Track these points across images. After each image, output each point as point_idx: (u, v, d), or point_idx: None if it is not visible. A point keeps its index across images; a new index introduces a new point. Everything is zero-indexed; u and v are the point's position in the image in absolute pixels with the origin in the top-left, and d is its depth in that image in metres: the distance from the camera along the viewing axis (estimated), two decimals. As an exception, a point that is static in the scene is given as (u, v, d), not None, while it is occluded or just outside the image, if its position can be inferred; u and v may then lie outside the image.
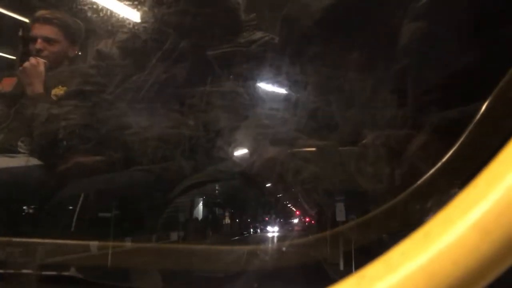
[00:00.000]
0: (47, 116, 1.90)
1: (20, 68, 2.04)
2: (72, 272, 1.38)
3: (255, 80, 1.62)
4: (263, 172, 1.56)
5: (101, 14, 1.83)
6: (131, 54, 1.74)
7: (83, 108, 1.88)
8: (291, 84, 1.52)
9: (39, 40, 2.09)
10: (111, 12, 1.83)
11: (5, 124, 2.01)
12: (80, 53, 2.26)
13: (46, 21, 2.12)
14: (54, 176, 1.85)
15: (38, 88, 2.00)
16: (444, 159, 1.09)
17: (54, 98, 2.04)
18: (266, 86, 1.65)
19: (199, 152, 1.57)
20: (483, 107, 1.10)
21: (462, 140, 1.09)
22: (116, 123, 1.63)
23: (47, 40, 2.10)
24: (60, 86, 2.06)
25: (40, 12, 2.14)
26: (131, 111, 1.60)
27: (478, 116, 1.09)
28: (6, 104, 2.07)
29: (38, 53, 2.07)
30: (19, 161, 1.98)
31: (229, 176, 1.65)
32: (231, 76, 1.60)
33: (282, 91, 1.59)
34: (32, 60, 2.03)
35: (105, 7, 1.84)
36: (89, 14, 1.89)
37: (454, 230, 0.31)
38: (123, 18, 1.79)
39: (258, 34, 1.70)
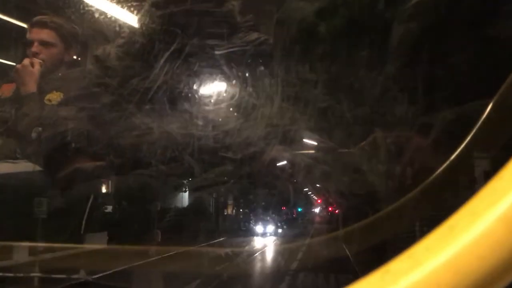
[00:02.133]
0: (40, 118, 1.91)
1: (14, 69, 2.06)
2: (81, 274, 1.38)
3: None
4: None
5: (104, 16, 1.83)
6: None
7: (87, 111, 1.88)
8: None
9: (35, 43, 2.10)
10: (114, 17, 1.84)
11: (2, 129, 2.02)
12: (79, 57, 2.27)
13: (42, 25, 2.13)
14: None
15: (31, 87, 2.01)
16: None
17: (47, 102, 2.04)
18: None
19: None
20: (490, 106, 1.09)
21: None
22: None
23: (43, 44, 2.11)
24: (55, 92, 2.06)
25: (38, 17, 2.15)
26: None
27: (485, 114, 1.09)
28: (6, 109, 2.07)
29: (34, 56, 2.08)
30: (20, 166, 1.99)
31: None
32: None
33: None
34: (26, 60, 2.04)
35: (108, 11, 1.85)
36: (95, 15, 1.89)
37: (480, 223, 0.30)
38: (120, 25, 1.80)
39: (254, 35, 1.70)
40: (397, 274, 0.32)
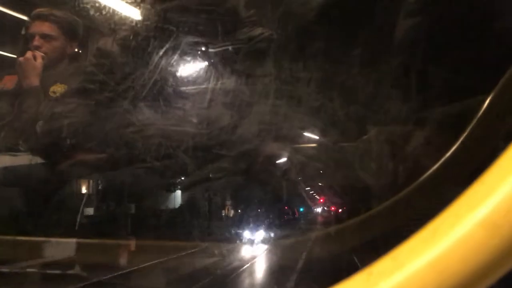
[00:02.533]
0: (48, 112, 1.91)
1: (17, 62, 2.06)
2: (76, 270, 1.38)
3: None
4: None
5: (103, 12, 1.82)
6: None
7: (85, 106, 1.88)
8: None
9: (36, 37, 2.09)
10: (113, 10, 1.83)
11: (5, 122, 2.02)
12: (80, 51, 2.26)
13: (43, 18, 2.12)
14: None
15: (34, 81, 2.01)
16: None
17: (52, 95, 2.04)
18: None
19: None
20: (486, 102, 1.10)
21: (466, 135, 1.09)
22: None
23: (44, 37, 2.10)
24: (59, 83, 2.06)
25: (38, 10, 2.15)
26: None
27: (482, 110, 1.09)
28: (8, 101, 2.07)
29: (36, 49, 2.07)
30: (22, 159, 1.99)
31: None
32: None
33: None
34: (28, 53, 2.04)
35: (107, 5, 1.84)
36: (91, 12, 1.88)
37: (462, 226, 0.31)
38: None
39: (258, 30, 1.69)
40: (380, 275, 0.32)
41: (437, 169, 1.17)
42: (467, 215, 0.31)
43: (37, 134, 1.93)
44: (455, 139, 1.13)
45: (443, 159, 1.16)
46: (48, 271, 1.50)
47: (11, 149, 1.99)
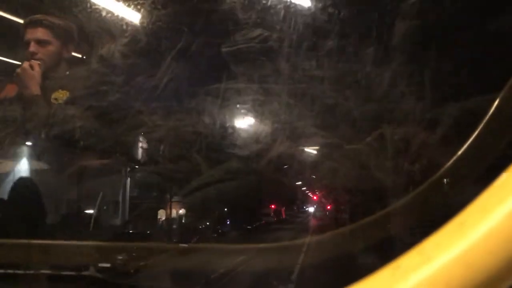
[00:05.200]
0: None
1: (15, 73, 2.07)
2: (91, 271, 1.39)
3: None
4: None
5: (113, 14, 1.84)
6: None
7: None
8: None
9: (32, 43, 2.10)
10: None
11: (10, 130, 2.03)
12: (81, 56, 2.27)
13: (36, 23, 2.13)
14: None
15: (35, 90, 2.02)
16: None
17: (54, 101, 2.05)
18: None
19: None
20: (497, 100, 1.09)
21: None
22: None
23: (39, 42, 2.11)
24: (60, 90, 2.07)
25: (30, 17, 2.16)
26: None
27: (494, 107, 1.08)
28: (11, 109, 2.09)
29: (32, 56, 2.09)
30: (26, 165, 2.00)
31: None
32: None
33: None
34: (25, 63, 2.05)
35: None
36: (102, 14, 1.89)
37: (490, 219, 0.30)
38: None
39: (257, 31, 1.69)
40: (407, 270, 0.32)
41: (451, 166, 1.16)
42: (495, 207, 0.30)
43: (43, 140, 1.95)
44: (468, 136, 1.12)
45: (456, 156, 1.15)
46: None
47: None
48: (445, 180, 1.14)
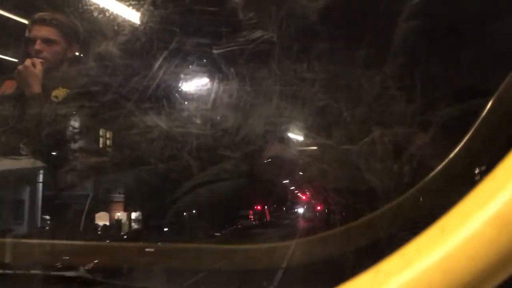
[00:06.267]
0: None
1: (16, 70, 2.06)
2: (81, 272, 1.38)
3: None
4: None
5: (106, 14, 1.83)
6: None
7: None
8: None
9: (38, 41, 2.09)
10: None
11: (7, 127, 2.02)
12: (81, 54, 2.26)
13: (44, 22, 2.11)
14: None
15: (36, 88, 2.01)
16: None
17: (54, 99, 2.04)
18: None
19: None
20: (490, 102, 1.09)
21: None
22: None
23: (46, 41, 2.10)
24: (60, 88, 2.06)
25: (39, 14, 2.14)
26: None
27: (486, 110, 1.09)
28: (8, 106, 2.07)
29: (37, 54, 2.07)
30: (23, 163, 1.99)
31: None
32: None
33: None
34: (28, 61, 2.03)
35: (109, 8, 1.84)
36: (94, 14, 1.88)
37: (471, 224, 0.30)
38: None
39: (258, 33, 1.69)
40: (388, 274, 0.32)
41: (442, 169, 1.17)
42: (475, 213, 0.30)
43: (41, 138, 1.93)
44: (459, 140, 1.13)
45: (447, 159, 1.16)
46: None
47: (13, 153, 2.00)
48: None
